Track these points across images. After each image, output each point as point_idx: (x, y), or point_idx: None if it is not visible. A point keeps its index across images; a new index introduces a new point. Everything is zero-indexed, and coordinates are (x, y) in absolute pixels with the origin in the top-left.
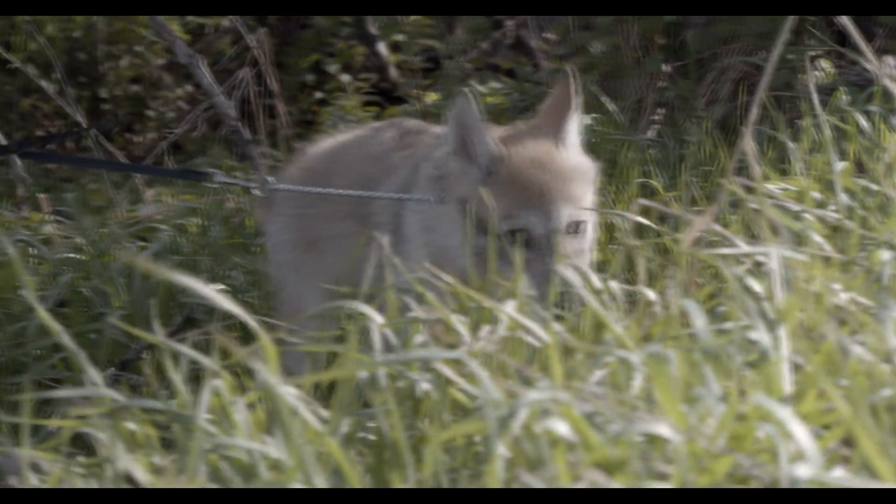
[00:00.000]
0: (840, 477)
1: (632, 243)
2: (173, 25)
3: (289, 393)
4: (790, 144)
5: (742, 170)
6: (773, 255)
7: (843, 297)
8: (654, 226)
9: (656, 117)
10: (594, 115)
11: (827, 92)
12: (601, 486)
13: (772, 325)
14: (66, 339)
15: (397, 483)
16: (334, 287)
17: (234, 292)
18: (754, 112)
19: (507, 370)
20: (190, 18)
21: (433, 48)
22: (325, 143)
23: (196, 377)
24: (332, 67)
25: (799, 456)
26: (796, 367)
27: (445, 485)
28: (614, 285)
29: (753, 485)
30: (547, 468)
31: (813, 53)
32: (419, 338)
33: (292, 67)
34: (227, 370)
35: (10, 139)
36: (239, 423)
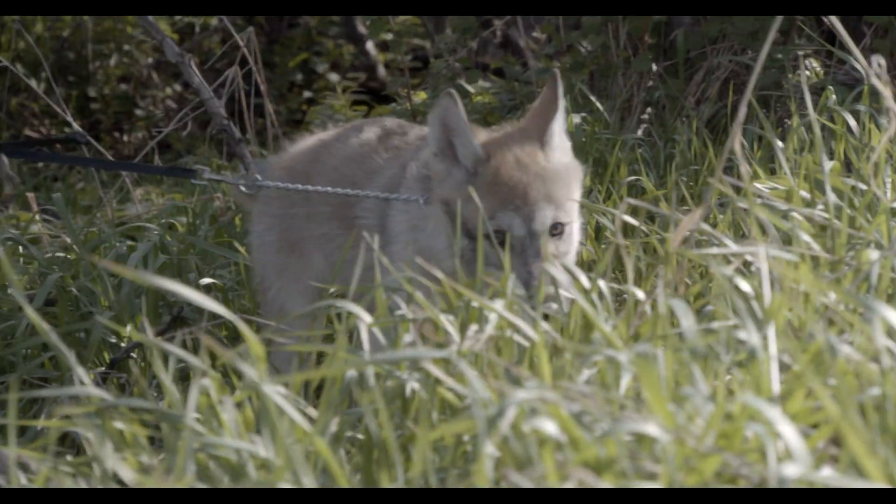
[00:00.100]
0: (828, 476)
1: (620, 242)
2: (162, 25)
3: (276, 392)
4: (779, 144)
5: (731, 169)
6: (762, 254)
7: (832, 297)
8: (642, 225)
9: (645, 116)
10: (583, 114)
11: (816, 91)
12: (589, 486)
13: (760, 325)
14: (54, 338)
15: (386, 483)
16: (322, 286)
17: (223, 291)
18: (742, 111)
19: (496, 369)
20: (178, 17)
21: (422, 47)
22: (305, 142)
23: (185, 376)
24: (321, 66)
25: (787, 455)
26: (784, 367)
27: (434, 484)
28: (603, 284)
29: (742, 484)
30: (535, 467)
31: (801, 53)
32: (408, 337)
33: (281, 66)
34: (215, 369)
35: None
36: (227, 422)
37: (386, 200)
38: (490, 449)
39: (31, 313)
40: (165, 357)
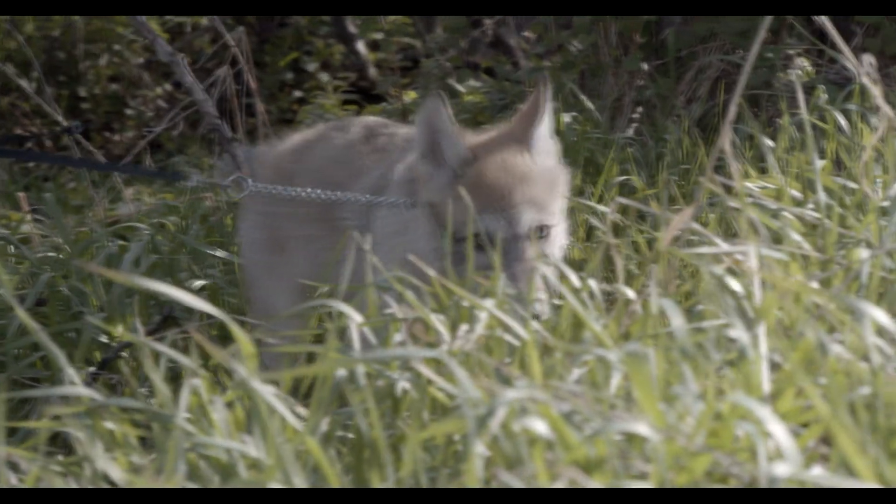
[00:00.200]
0: (819, 475)
1: (611, 242)
2: (152, 24)
3: (267, 391)
4: (769, 143)
5: (721, 168)
6: (752, 253)
7: (822, 296)
8: (632, 224)
9: (635, 116)
10: (573, 113)
11: (806, 90)
12: (580, 486)
13: (750, 324)
14: (44, 338)
15: (376, 482)
16: (312, 283)
17: (214, 290)
18: (733, 111)
19: (486, 369)
20: (168, 17)
21: (412, 47)
22: (291, 141)
23: (175, 376)
24: (311, 66)
25: (778, 454)
26: (775, 366)
27: (424, 484)
28: (593, 284)
29: (732, 483)
30: (525, 467)
31: (792, 52)
32: (398, 337)
33: (271, 66)
34: (205, 369)
35: None
36: (217, 422)
37: (370, 204)
38: (480, 448)
39: (21, 313)
40: (156, 357)
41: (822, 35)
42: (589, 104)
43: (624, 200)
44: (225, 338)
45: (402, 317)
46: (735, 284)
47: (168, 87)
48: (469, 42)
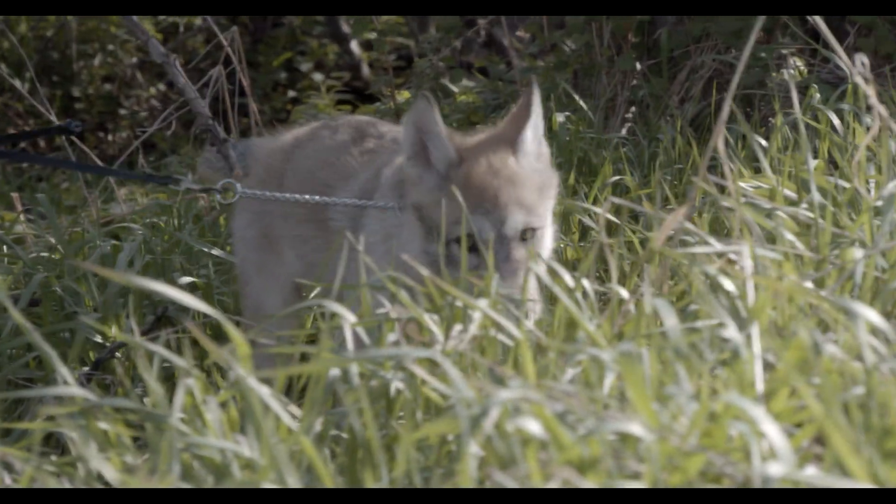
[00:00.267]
0: (812, 475)
1: (604, 241)
2: (146, 24)
3: (262, 389)
4: (762, 142)
5: (714, 168)
6: (745, 253)
7: (816, 295)
8: (625, 224)
9: (629, 115)
10: (567, 113)
11: (800, 90)
12: (573, 486)
13: (744, 324)
14: (37, 338)
15: (370, 482)
16: (304, 282)
17: (206, 290)
18: (726, 110)
19: (480, 369)
20: (162, 17)
21: (406, 46)
22: (282, 139)
23: (169, 376)
24: (305, 66)
25: (771, 454)
26: (768, 366)
27: (418, 484)
28: (587, 284)
29: (726, 483)
30: (519, 467)
31: (785, 51)
32: (392, 336)
33: (265, 66)
34: (199, 369)
35: None
36: (211, 422)
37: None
38: (474, 449)
39: (15, 314)
40: (150, 357)
41: (815, 35)
42: (582, 104)
43: (617, 200)
44: (218, 338)
45: (396, 317)
46: (728, 284)
47: (162, 87)
48: (462, 42)
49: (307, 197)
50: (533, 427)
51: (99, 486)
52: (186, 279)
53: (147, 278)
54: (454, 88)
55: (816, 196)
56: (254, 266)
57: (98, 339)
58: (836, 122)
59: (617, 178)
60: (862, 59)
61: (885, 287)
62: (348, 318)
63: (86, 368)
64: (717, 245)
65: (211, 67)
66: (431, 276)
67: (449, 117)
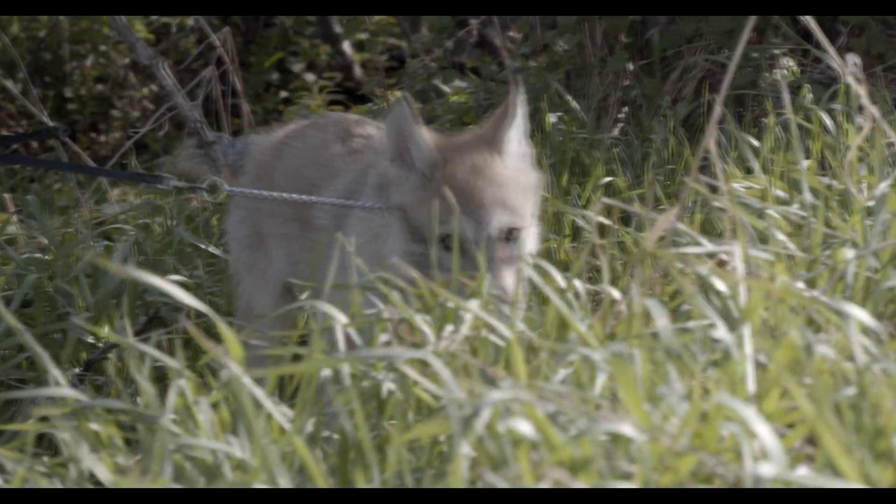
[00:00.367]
0: (804, 476)
1: (596, 242)
2: (137, 25)
3: (252, 386)
4: (754, 143)
5: (707, 168)
6: (737, 253)
7: (807, 296)
8: (616, 226)
9: (621, 116)
10: (559, 113)
11: (791, 90)
12: (565, 486)
13: (735, 324)
14: (29, 339)
15: (361, 483)
16: (296, 283)
17: (199, 291)
18: (718, 110)
19: (472, 369)
20: (154, 18)
21: (398, 47)
22: (274, 136)
23: (161, 377)
24: (297, 66)
25: (763, 455)
26: (760, 366)
27: (410, 484)
28: (578, 284)
29: (717, 484)
30: (510, 468)
31: (777, 52)
32: (383, 337)
33: (257, 66)
34: (191, 370)
35: None
36: (203, 422)
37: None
38: (465, 449)
39: (6, 315)
40: (141, 358)
41: (807, 35)
42: (574, 104)
43: (609, 201)
44: (210, 339)
45: (388, 317)
46: (720, 284)
47: (154, 87)
48: (454, 42)
49: (293, 196)
50: (524, 428)
51: (91, 486)
52: (176, 277)
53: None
54: (446, 89)
55: (808, 196)
56: (245, 265)
57: (90, 339)
58: (828, 122)
59: (609, 178)
60: (854, 59)
61: (877, 287)
62: (339, 318)
63: (77, 369)
64: (708, 245)
65: (203, 68)
66: (421, 277)
67: (441, 118)
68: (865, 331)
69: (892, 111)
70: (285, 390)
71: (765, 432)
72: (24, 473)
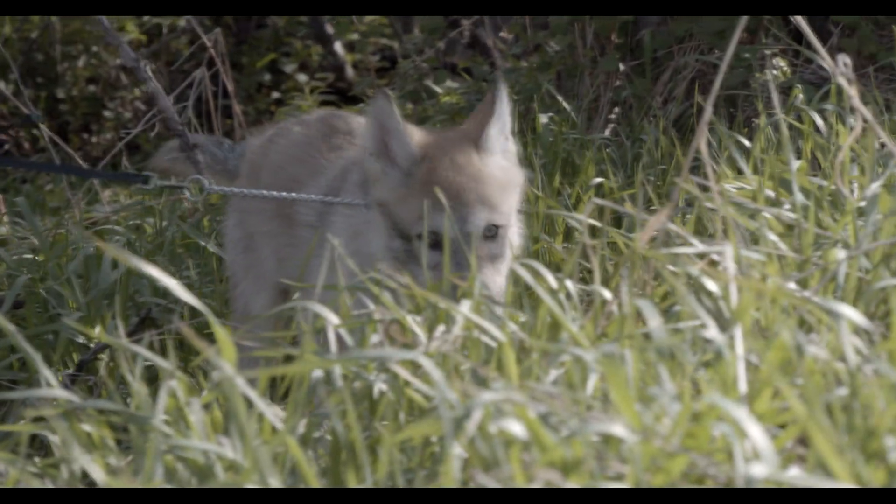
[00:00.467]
0: (795, 476)
1: (587, 243)
2: (129, 26)
3: (247, 388)
4: (746, 143)
5: (698, 168)
6: (728, 253)
7: (799, 296)
8: (607, 227)
9: (612, 116)
10: (550, 114)
11: (783, 90)
12: (556, 486)
13: (727, 325)
14: (20, 340)
15: (353, 484)
16: (289, 283)
17: (191, 292)
18: (708, 111)
19: (463, 370)
20: (146, 18)
21: (390, 47)
22: (263, 134)
23: (153, 377)
24: (289, 67)
25: (754, 455)
26: (751, 367)
27: (401, 485)
28: (570, 284)
29: (709, 484)
30: (502, 468)
31: (768, 52)
32: (375, 338)
33: (248, 67)
34: (183, 371)
35: None
36: (194, 423)
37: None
38: (457, 450)
39: None
40: (133, 359)
41: (798, 35)
42: (566, 105)
43: (600, 202)
44: (203, 340)
45: (379, 318)
46: (711, 285)
47: (146, 88)
48: (446, 43)
49: (273, 193)
50: (516, 428)
51: (83, 488)
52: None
53: (131, 279)
54: (438, 89)
55: (799, 197)
56: (242, 268)
57: (82, 340)
58: (820, 122)
59: (600, 179)
60: (844, 59)
61: (868, 288)
62: (331, 319)
63: (69, 370)
64: (699, 246)
65: (195, 69)
66: (404, 275)
67: (433, 118)
68: (857, 331)
69: (883, 111)
70: (277, 391)
71: (756, 433)
72: (17, 474)
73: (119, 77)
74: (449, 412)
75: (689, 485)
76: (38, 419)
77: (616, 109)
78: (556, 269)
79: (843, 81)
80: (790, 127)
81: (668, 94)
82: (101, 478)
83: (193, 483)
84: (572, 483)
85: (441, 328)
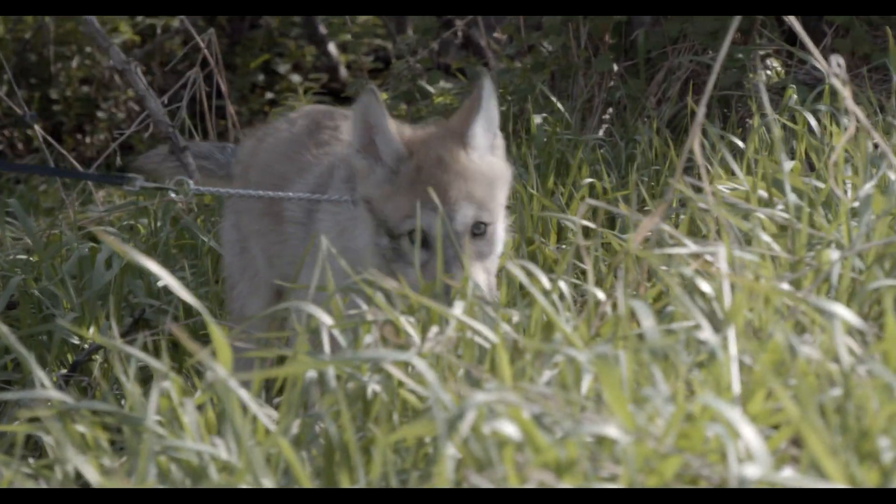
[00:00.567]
0: (789, 477)
1: (581, 243)
2: (123, 26)
3: (241, 391)
4: (739, 144)
5: (692, 169)
6: (721, 254)
7: (792, 296)
8: (600, 228)
9: (606, 117)
10: (544, 114)
11: (777, 91)
12: (550, 487)
13: (720, 325)
14: (14, 341)
15: (347, 485)
16: (284, 284)
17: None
18: (702, 111)
19: (457, 371)
20: (140, 19)
21: (384, 48)
22: (254, 135)
23: (147, 378)
24: (283, 68)
25: (748, 456)
26: (745, 367)
27: (395, 486)
28: (563, 285)
29: (702, 485)
30: (495, 469)
31: (762, 52)
32: (368, 338)
33: (242, 68)
34: (177, 372)
35: None
36: (188, 424)
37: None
38: (451, 451)
39: None
40: (127, 359)
41: (792, 35)
42: (559, 105)
43: (593, 202)
44: (197, 341)
45: (373, 319)
46: (705, 286)
47: (135, 91)
48: (440, 43)
49: (259, 192)
50: (509, 429)
51: (76, 488)
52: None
53: (124, 280)
54: (431, 90)
55: (792, 197)
56: (238, 269)
57: (76, 341)
58: (814, 123)
59: (593, 180)
60: (838, 60)
61: (862, 289)
62: (324, 320)
63: (63, 371)
64: (693, 246)
65: (189, 69)
66: (378, 270)
67: (426, 119)
68: (851, 332)
69: (877, 112)
70: (271, 391)
71: (750, 434)
72: (11, 476)
73: (112, 78)
74: (442, 413)
75: (682, 486)
76: (33, 420)
77: (610, 110)
78: (549, 269)
79: (836, 82)
80: (784, 128)
81: (661, 94)
82: (94, 478)
83: (187, 484)
84: (566, 484)
85: (434, 329)
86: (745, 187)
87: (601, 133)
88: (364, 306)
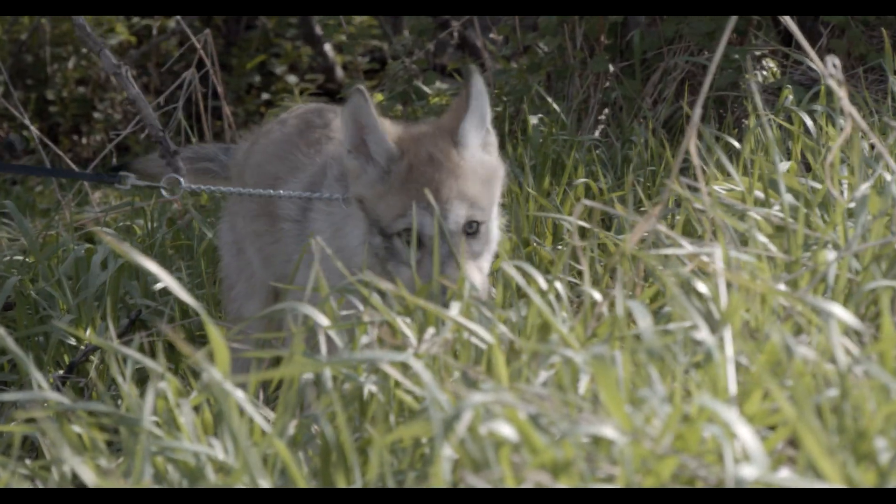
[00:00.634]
0: (785, 477)
1: (577, 244)
2: (119, 27)
3: (238, 393)
4: (735, 144)
5: (688, 170)
6: (718, 255)
7: (788, 297)
8: (596, 228)
9: (602, 117)
10: (540, 115)
11: (773, 91)
12: (546, 487)
13: (716, 326)
14: (10, 342)
15: (343, 485)
16: (280, 285)
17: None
18: (698, 112)
19: (453, 372)
20: (136, 20)
21: (379, 49)
22: (250, 137)
23: (144, 379)
24: (279, 68)
25: (744, 457)
26: (741, 368)
27: (392, 486)
28: (560, 286)
29: (699, 486)
30: (492, 470)
31: (758, 53)
32: (365, 339)
33: (238, 68)
34: (174, 373)
35: None
36: (184, 425)
37: (308, 198)
38: (447, 451)
39: None
40: (123, 360)
41: (788, 36)
42: (555, 106)
43: (590, 203)
44: (193, 342)
45: (369, 320)
46: (701, 286)
47: (127, 95)
48: (436, 44)
49: (249, 191)
50: (506, 430)
51: (73, 489)
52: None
53: (121, 281)
54: (428, 91)
55: (788, 198)
56: (235, 271)
57: (72, 342)
58: (810, 123)
59: (587, 180)
60: (834, 60)
61: (858, 289)
62: (321, 321)
63: (60, 372)
64: (689, 247)
65: (185, 70)
66: (370, 269)
67: (422, 120)
68: (847, 332)
69: (873, 112)
70: (268, 391)
71: (746, 434)
72: (8, 477)
73: (108, 79)
74: (439, 413)
75: (679, 486)
76: (29, 421)
77: (606, 110)
78: (545, 270)
79: (832, 83)
80: (781, 128)
81: (657, 95)
82: (91, 479)
83: (184, 484)
84: (562, 484)
85: (431, 330)
86: (741, 188)
87: (597, 134)
88: (360, 307)
